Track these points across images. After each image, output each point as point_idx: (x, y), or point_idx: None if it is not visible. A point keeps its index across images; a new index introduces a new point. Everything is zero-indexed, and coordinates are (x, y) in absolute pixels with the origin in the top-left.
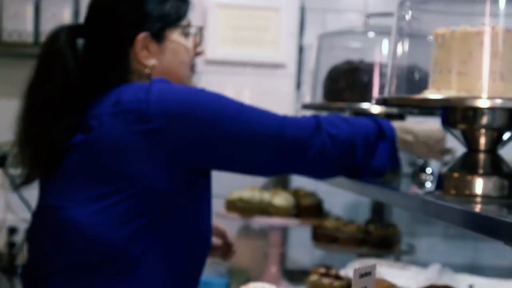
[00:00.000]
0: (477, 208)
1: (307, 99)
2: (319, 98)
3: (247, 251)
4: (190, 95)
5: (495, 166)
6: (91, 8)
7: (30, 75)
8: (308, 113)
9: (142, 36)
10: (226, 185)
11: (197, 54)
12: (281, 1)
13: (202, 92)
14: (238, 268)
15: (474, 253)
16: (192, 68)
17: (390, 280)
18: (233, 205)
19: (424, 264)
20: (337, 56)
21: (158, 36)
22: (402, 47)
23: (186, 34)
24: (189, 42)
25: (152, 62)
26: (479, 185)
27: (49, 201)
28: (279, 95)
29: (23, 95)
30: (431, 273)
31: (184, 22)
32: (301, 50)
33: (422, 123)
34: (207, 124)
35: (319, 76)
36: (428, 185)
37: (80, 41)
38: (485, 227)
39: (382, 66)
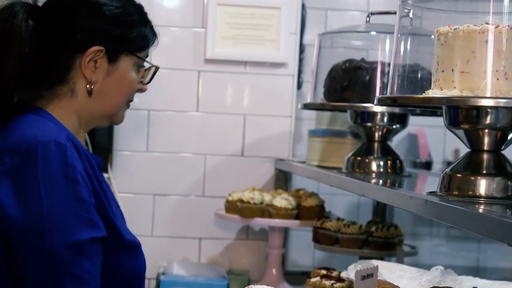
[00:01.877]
0: (481, 209)
1: (308, 99)
2: (320, 98)
3: (247, 253)
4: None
5: (499, 167)
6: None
7: None
8: (309, 113)
9: (96, 48)
10: (226, 185)
11: (139, 90)
12: None
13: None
14: (238, 270)
15: (477, 254)
16: (128, 101)
17: (392, 282)
18: (233, 206)
19: (426, 266)
20: (338, 55)
21: (112, 56)
22: (404, 46)
23: (138, 67)
24: (137, 76)
25: (94, 78)
26: (482, 185)
27: None
28: (280, 94)
29: None
30: (434, 275)
31: (142, 55)
32: (302, 48)
33: None
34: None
35: (320, 75)
36: None
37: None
38: (488, 228)
39: (384, 65)
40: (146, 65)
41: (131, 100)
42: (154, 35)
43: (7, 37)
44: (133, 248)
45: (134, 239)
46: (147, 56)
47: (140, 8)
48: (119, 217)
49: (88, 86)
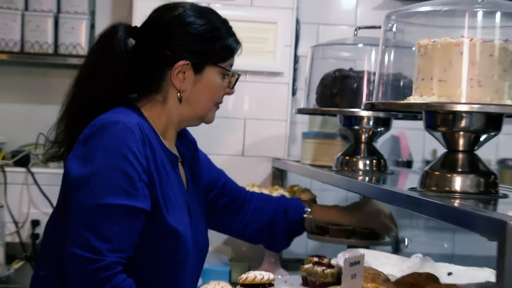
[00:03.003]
0: (456, 203)
1: (302, 104)
2: (312, 103)
3: (247, 243)
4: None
5: (473, 165)
6: (151, 19)
7: (86, 60)
8: (302, 117)
9: (182, 63)
10: None
11: (227, 93)
12: (278, 15)
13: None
14: (239, 258)
15: (452, 243)
16: (217, 105)
17: (377, 268)
18: None
19: (407, 254)
20: (329, 65)
21: (197, 68)
22: (388, 57)
23: (223, 75)
24: (223, 82)
25: (183, 87)
26: (457, 182)
27: None
28: (276, 100)
29: (76, 82)
30: (414, 262)
31: (225, 64)
32: (296, 59)
33: None
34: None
35: (313, 83)
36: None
37: (131, 41)
38: (463, 220)
39: (370, 74)
40: (230, 73)
41: (220, 102)
42: (237, 44)
43: (106, 53)
44: (174, 235)
45: (177, 227)
46: (231, 64)
47: (224, 22)
48: (176, 205)
49: (178, 94)
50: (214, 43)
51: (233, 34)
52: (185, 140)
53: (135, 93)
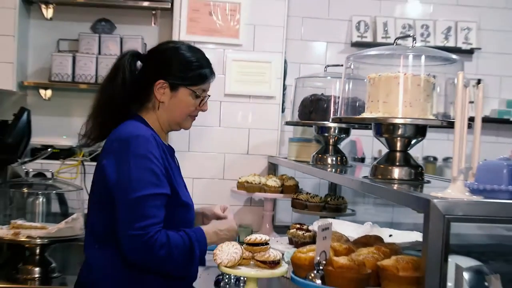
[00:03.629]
0: (395, 187)
1: (288, 118)
2: (295, 118)
3: (250, 214)
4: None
5: (406, 161)
6: (155, 48)
7: (107, 73)
8: (289, 127)
9: (161, 81)
10: (237, 172)
11: (200, 110)
12: (272, 56)
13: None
14: (244, 225)
15: (392, 215)
16: (192, 116)
17: (340, 232)
18: (242, 185)
19: (361, 222)
20: (307, 91)
21: (173, 87)
22: (348, 86)
23: (195, 96)
24: (196, 101)
25: (162, 99)
26: (396, 172)
27: None
28: (270, 116)
29: (99, 89)
30: (366, 228)
31: (196, 88)
32: (284, 87)
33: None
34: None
35: (296, 104)
36: None
37: (138, 63)
38: (399, 198)
39: (336, 98)
40: (201, 94)
41: (195, 115)
42: (212, 74)
43: (117, 69)
44: (186, 206)
45: (188, 200)
46: (203, 89)
47: (207, 60)
48: (181, 186)
49: (157, 104)
50: (191, 71)
51: (209, 67)
52: None
53: (138, 102)
